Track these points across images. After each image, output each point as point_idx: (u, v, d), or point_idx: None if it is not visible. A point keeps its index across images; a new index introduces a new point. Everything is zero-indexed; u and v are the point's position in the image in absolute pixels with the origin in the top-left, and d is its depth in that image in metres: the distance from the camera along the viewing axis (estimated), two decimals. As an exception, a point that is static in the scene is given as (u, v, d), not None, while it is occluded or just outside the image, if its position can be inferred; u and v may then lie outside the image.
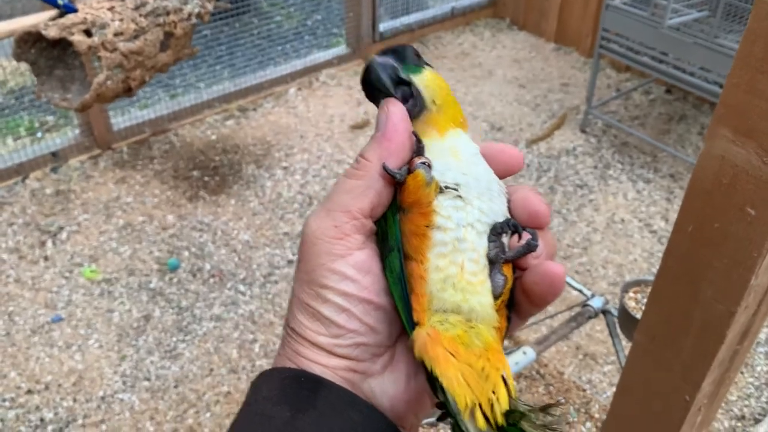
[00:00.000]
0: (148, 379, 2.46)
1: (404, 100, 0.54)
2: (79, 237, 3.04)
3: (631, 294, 2.09)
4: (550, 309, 2.76)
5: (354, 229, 0.51)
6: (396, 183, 0.52)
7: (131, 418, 2.34)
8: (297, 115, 3.92)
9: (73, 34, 2.30)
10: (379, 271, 0.52)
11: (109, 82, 2.40)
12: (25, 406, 2.36)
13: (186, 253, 2.98)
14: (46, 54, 2.49)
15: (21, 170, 3.34)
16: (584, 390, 2.42)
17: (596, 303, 2.13)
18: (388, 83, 0.54)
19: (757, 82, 0.82)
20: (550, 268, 0.50)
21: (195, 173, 3.44)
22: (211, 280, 2.86)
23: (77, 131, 3.50)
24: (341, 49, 4.43)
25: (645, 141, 3.71)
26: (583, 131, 3.86)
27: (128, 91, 2.55)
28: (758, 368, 2.59)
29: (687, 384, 1.05)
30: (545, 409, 0.47)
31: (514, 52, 4.68)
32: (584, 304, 2.15)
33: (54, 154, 3.42)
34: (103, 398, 2.39)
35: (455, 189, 0.51)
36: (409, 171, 0.52)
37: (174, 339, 2.61)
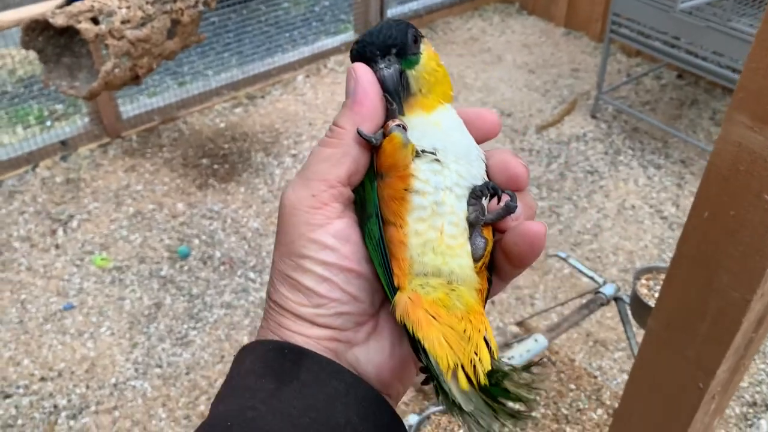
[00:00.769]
0: (160, 366, 2.48)
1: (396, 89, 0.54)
2: (89, 225, 3.05)
3: (643, 281, 2.07)
4: (561, 296, 2.75)
5: (332, 198, 0.50)
6: (372, 148, 0.52)
7: (144, 404, 2.35)
8: (305, 102, 3.91)
9: (80, 22, 2.29)
10: (358, 239, 0.51)
11: (116, 70, 2.40)
12: (39, 393, 2.38)
13: (196, 241, 2.98)
14: (54, 42, 2.49)
15: (31, 159, 3.35)
16: (595, 377, 2.41)
17: (608, 290, 2.12)
18: (394, 98, 0.53)
19: (776, 66, 0.81)
20: (530, 228, 0.49)
21: (204, 161, 3.44)
22: (222, 268, 2.87)
23: (86, 120, 3.51)
24: (349, 36, 4.40)
25: (656, 126, 3.68)
26: (593, 117, 3.83)
27: (136, 79, 2.54)
28: (770, 355, 2.58)
29: (701, 371, 1.05)
30: (527, 368, 0.47)
31: (523, 37, 4.64)
32: (596, 291, 2.14)
33: (63, 143, 3.43)
34: (115, 385, 2.41)
35: (432, 153, 0.51)
36: (385, 135, 0.51)
37: (185, 326, 2.63)
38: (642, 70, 4.21)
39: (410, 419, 1.70)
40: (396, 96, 0.52)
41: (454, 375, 0.46)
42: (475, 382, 0.46)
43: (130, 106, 3.61)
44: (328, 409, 0.46)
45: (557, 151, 3.58)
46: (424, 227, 0.50)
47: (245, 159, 3.46)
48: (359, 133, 0.51)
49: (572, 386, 2.37)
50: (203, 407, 2.35)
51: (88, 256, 2.90)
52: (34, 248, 2.93)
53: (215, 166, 3.41)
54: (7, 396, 2.37)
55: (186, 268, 2.86)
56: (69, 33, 2.46)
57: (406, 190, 0.50)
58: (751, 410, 2.39)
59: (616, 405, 2.06)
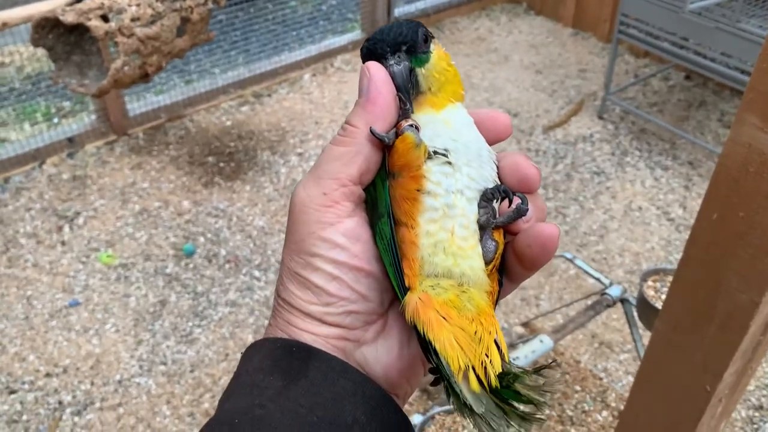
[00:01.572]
0: (165, 364, 2.48)
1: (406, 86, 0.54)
2: (95, 222, 3.06)
3: (650, 282, 2.07)
4: (567, 297, 2.75)
5: (343, 197, 0.50)
6: (384, 147, 0.52)
7: (148, 401, 2.36)
8: (312, 101, 3.91)
9: (90, 19, 2.30)
10: (369, 238, 0.51)
11: (126, 68, 2.40)
12: (44, 389, 2.39)
13: (201, 239, 2.99)
14: (64, 39, 2.50)
15: (38, 156, 3.36)
16: (600, 378, 2.41)
17: (614, 291, 2.11)
18: (404, 94, 0.53)
19: (788, 67, 0.80)
20: (543, 230, 0.50)
21: (210, 159, 3.44)
22: (227, 266, 2.87)
23: (93, 117, 3.52)
24: (356, 35, 4.40)
25: (663, 128, 3.67)
26: (600, 118, 3.82)
27: (145, 77, 2.55)
28: (777, 358, 2.56)
29: (708, 374, 1.04)
30: (538, 371, 0.47)
31: (530, 37, 4.63)
32: (602, 293, 2.14)
33: (70, 140, 3.44)
34: (120, 382, 2.42)
35: (444, 155, 0.51)
36: (397, 134, 0.51)
37: (190, 324, 2.63)
38: (650, 71, 4.19)
39: (414, 419, 1.70)
40: (405, 92, 0.52)
41: (465, 376, 0.46)
42: (486, 384, 0.46)
43: (137, 103, 3.61)
44: (335, 407, 0.46)
45: (564, 151, 3.57)
46: (435, 228, 0.50)
47: (251, 157, 3.47)
48: (372, 132, 0.51)
49: (577, 388, 2.37)
50: (207, 405, 2.35)
51: (93, 253, 2.90)
52: (40, 245, 2.94)
53: (221, 164, 3.41)
54: (13, 391, 2.38)
55: (191, 265, 2.87)
56: (79, 30, 2.47)
57: (418, 190, 0.50)
58: (757, 414, 2.38)
59: (622, 407, 2.06)
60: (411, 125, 0.52)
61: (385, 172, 0.52)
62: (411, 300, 0.49)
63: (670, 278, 2.02)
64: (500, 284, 0.53)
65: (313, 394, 0.47)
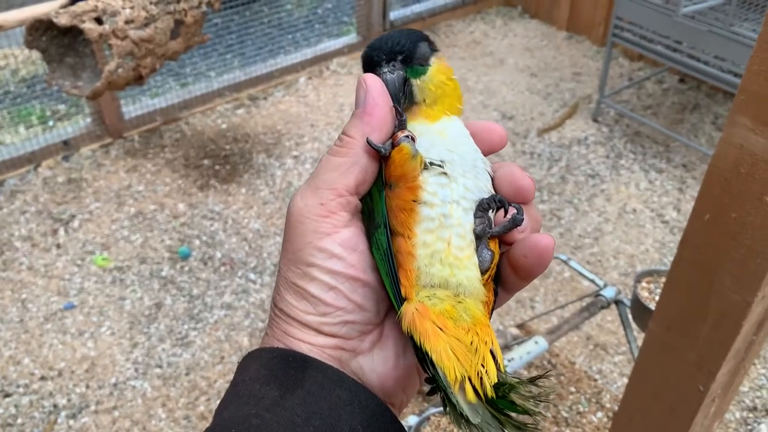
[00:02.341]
0: (160, 366, 2.48)
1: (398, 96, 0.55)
2: (90, 225, 3.05)
3: (644, 284, 2.07)
4: (562, 299, 2.75)
5: (340, 207, 0.51)
6: (381, 157, 0.52)
7: (143, 404, 2.35)
8: (307, 104, 3.91)
9: (84, 21, 2.30)
10: (365, 248, 0.52)
11: (120, 70, 2.40)
12: (39, 393, 2.38)
13: (197, 242, 2.99)
14: (57, 42, 2.50)
15: (33, 158, 3.35)
16: (595, 380, 2.41)
17: (609, 293, 2.12)
18: (394, 99, 0.54)
19: (778, 68, 0.81)
20: (539, 241, 0.50)
21: (206, 162, 3.44)
22: (222, 269, 2.87)
23: (88, 120, 3.51)
24: (352, 38, 4.41)
25: (658, 130, 3.68)
26: (595, 120, 3.84)
27: (139, 79, 2.55)
28: (771, 359, 2.57)
29: (701, 374, 1.05)
30: (534, 380, 0.48)
31: (525, 40, 4.64)
32: (597, 294, 2.14)
33: (66, 143, 3.43)
34: (115, 385, 2.41)
35: (440, 165, 0.52)
36: (393, 145, 0.52)
37: (185, 327, 2.63)
38: (644, 74, 4.21)
39: (410, 420, 1.70)
40: (396, 101, 0.53)
41: (462, 387, 0.46)
42: (482, 394, 0.46)
43: (133, 106, 3.61)
44: (331, 417, 0.47)
45: (558, 154, 3.59)
46: (431, 238, 0.50)
47: (247, 160, 3.47)
48: (368, 142, 0.51)
49: (572, 389, 2.37)
50: (203, 408, 2.35)
51: (89, 256, 2.90)
52: (35, 248, 2.93)
53: (217, 167, 3.41)
54: (7, 395, 2.37)
55: (187, 268, 2.87)
56: (73, 33, 2.47)
57: (414, 201, 0.51)
58: (751, 415, 2.39)
59: (616, 408, 2.06)
60: (407, 136, 0.52)
61: (382, 183, 0.53)
62: (408, 310, 0.49)
63: (663, 279, 2.03)
64: (495, 294, 0.53)
65: (309, 403, 0.47)
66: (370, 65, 0.55)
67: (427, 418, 1.71)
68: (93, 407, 2.34)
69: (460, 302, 0.50)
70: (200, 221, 3.09)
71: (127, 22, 2.37)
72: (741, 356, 1.05)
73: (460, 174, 0.52)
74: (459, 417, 0.46)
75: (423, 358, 0.48)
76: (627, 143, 3.66)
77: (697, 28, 3.13)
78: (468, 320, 0.49)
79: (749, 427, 2.35)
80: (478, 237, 0.51)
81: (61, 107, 3.71)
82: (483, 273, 0.51)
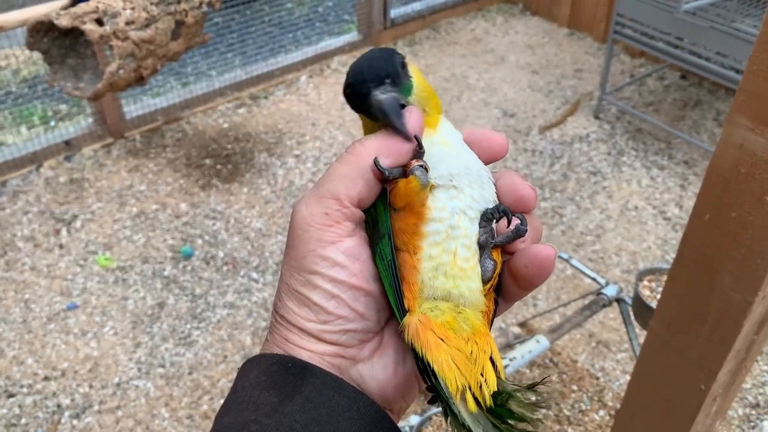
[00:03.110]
0: (163, 366, 2.49)
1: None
2: (93, 225, 3.06)
3: (645, 282, 2.07)
4: (564, 297, 2.75)
5: (344, 217, 0.51)
6: (384, 180, 0.52)
7: (146, 404, 2.36)
8: (308, 103, 3.91)
9: (85, 23, 2.30)
10: (368, 257, 0.52)
11: (121, 71, 2.41)
12: (42, 392, 2.39)
13: (199, 241, 2.99)
14: (59, 43, 2.50)
15: (35, 159, 3.36)
16: (597, 378, 2.41)
17: (610, 291, 2.12)
18: (399, 123, 0.52)
19: (778, 69, 0.81)
20: (540, 251, 0.50)
21: (207, 161, 3.45)
22: (225, 268, 2.88)
23: (90, 120, 3.52)
24: (353, 36, 4.41)
25: (659, 127, 3.68)
26: (596, 117, 3.83)
27: (140, 80, 2.55)
28: (773, 356, 2.57)
29: (703, 373, 1.05)
30: (532, 387, 0.48)
31: (526, 37, 4.64)
32: (598, 293, 2.14)
33: (67, 143, 3.44)
34: (118, 385, 2.42)
35: (450, 180, 0.52)
36: (405, 173, 0.51)
37: (188, 326, 2.63)
38: (645, 71, 4.20)
39: (411, 420, 1.71)
40: (398, 118, 0.51)
41: (463, 397, 0.47)
42: (482, 404, 0.47)
43: (134, 106, 3.62)
44: (330, 423, 0.47)
45: (560, 151, 3.58)
46: (437, 251, 0.51)
47: (248, 159, 3.47)
48: (375, 163, 0.51)
49: (574, 387, 2.37)
50: (206, 407, 2.36)
51: (91, 256, 2.91)
52: (37, 248, 2.94)
53: (218, 167, 3.41)
54: (11, 395, 2.38)
55: (189, 268, 2.87)
56: (74, 34, 2.47)
57: (419, 224, 0.51)
58: (753, 412, 2.39)
59: (619, 406, 2.06)
60: (420, 166, 0.51)
61: (386, 198, 0.52)
62: (410, 322, 0.50)
63: (665, 278, 2.03)
64: (496, 304, 0.53)
65: (308, 410, 0.47)
66: (358, 99, 0.53)
67: (429, 418, 1.72)
68: (96, 407, 2.35)
69: (460, 313, 0.50)
70: (202, 221, 3.10)
71: (127, 23, 2.37)
72: (742, 356, 1.05)
73: (467, 184, 0.52)
74: (461, 427, 0.47)
75: (424, 369, 0.49)
76: (629, 140, 3.66)
77: (698, 24, 3.13)
78: (468, 330, 0.50)
79: (752, 423, 2.35)
80: (482, 246, 0.52)
81: (63, 107, 3.71)
82: (485, 283, 0.51)
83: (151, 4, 2.45)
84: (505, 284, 0.53)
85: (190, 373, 2.46)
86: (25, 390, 2.40)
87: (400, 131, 0.51)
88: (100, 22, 2.35)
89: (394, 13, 4.45)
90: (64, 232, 3.02)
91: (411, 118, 0.52)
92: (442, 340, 0.49)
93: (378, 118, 0.53)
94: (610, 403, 2.32)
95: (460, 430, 0.47)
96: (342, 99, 3.94)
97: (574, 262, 2.28)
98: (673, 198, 3.28)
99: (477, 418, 0.47)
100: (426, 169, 0.51)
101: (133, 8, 2.39)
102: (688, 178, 3.40)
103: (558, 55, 4.42)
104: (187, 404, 2.37)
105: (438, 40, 4.56)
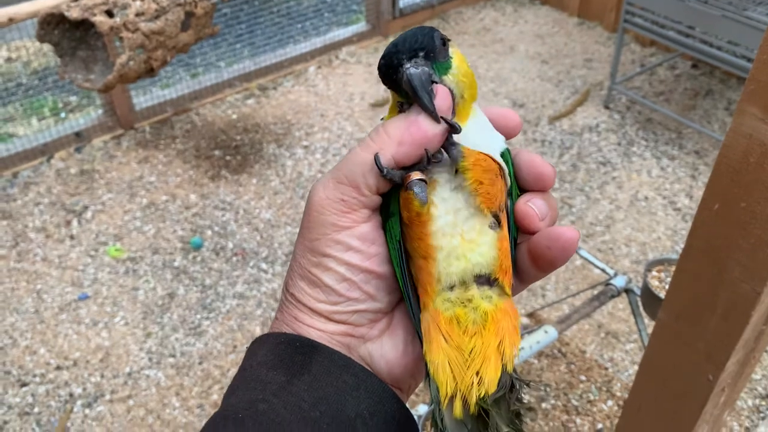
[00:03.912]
0: (174, 356, 2.51)
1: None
2: (103, 216, 3.08)
3: (654, 273, 2.07)
4: (573, 288, 2.75)
5: (361, 204, 0.51)
6: (384, 176, 0.50)
7: (157, 393, 2.38)
8: (317, 94, 3.91)
9: (95, 14, 2.31)
10: (383, 241, 0.52)
11: (131, 63, 2.41)
12: (55, 382, 2.42)
13: (209, 232, 3.01)
14: (69, 35, 2.51)
15: (46, 150, 3.38)
16: (606, 368, 2.41)
17: (619, 282, 2.11)
18: (426, 98, 0.49)
19: (787, 58, 0.80)
20: (564, 233, 0.50)
21: (216, 152, 3.46)
22: (234, 259, 2.89)
23: (100, 111, 3.53)
24: (361, 26, 4.40)
25: (670, 117, 3.66)
26: (606, 107, 3.81)
27: (150, 72, 2.56)
28: (783, 347, 2.56)
29: (711, 364, 1.05)
30: (528, 384, 0.49)
31: (536, 27, 4.61)
32: (607, 283, 2.14)
33: (78, 134, 3.46)
34: (129, 374, 2.44)
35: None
36: (404, 184, 0.50)
37: (198, 316, 2.65)
38: (656, 60, 4.17)
39: (420, 409, 1.72)
40: (426, 94, 0.48)
41: (450, 403, 0.47)
42: (472, 409, 0.47)
43: (143, 97, 3.63)
44: (338, 402, 0.47)
45: (570, 141, 3.57)
46: (447, 242, 0.50)
47: (257, 150, 3.48)
48: (376, 160, 0.49)
49: (583, 378, 2.37)
50: (216, 396, 2.38)
51: (102, 247, 2.93)
52: (49, 239, 2.96)
53: (227, 158, 3.42)
54: (24, 384, 2.41)
55: (199, 258, 2.89)
56: (84, 26, 2.48)
57: (425, 231, 0.50)
58: (763, 403, 2.38)
59: (627, 396, 2.06)
60: (422, 180, 0.49)
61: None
62: (424, 318, 0.51)
63: (674, 268, 2.03)
64: (514, 264, 0.53)
65: (315, 388, 0.48)
66: (389, 71, 0.50)
67: (438, 407, 1.73)
68: (108, 396, 2.37)
69: (470, 300, 0.50)
70: (212, 211, 3.11)
71: (137, 15, 2.38)
72: (750, 346, 1.05)
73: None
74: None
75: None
76: (639, 130, 3.64)
77: (710, 12, 3.10)
78: (479, 321, 0.49)
79: (761, 414, 2.34)
80: (457, 170, 0.50)
81: (73, 99, 3.73)
82: (456, 163, 0.49)
83: (160, -5, 2.45)
84: (523, 265, 0.53)
85: (200, 363, 2.48)
86: (37, 379, 2.42)
87: (425, 108, 0.49)
88: (110, 13, 2.36)
89: (403, 2, 4.43)
90: (75, 223, 3.04)
91: (438, 96, 0.49)
92: (445, 338, 0.49)
93: (406, 94, 0.50)
94: (618, 394, 2.32)
95: None
96: (350, 90, 3.95)
97: (583, 252, 2.28)
98: (683, 188, 3.26)
99: (462, 423, 0.47)
100: (426, 182, 0.50)
101: (143, 0, 2.40)
102: (698, 168, 3.37)
103: (568, 45, 4.40)
104: (198, 393, 2.39)
105: (447, 29, 4.54)
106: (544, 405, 2.28)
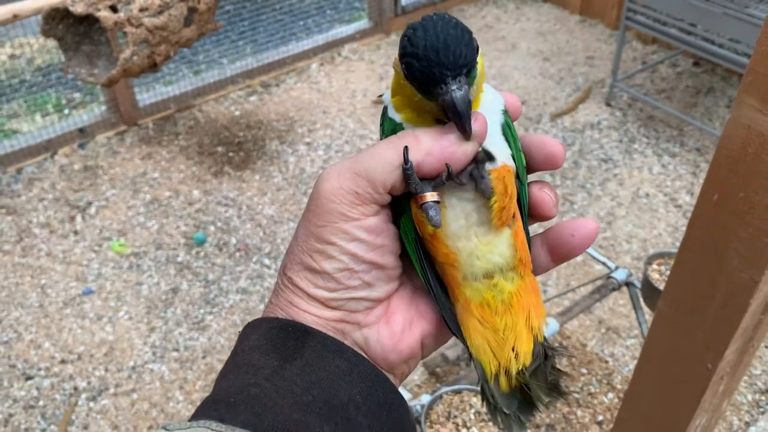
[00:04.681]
0: (177, 350, 2.52)
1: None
2: (107, 212, 3.10)
3: (654, 266, 2.08)
4: (573, 283, 2.76)
5: (373, 200, 0.50)
6: (403, 170, 0.49)
7: (161, 387, 2.40)
8: (319, 91, 3.92)
9: (99, 10, 2.33)
10: (389, 233, 0.52)
11: (135, 58, 2.43)
12: (60, 375, 2.43)
13: (212, 228, 3.02)
14: (73, 30, 2.53)
15: (50, 146, 3.40)
16: (606, 362, 2.43)
17: (620, 275, 2.13)
18: (467, 124, 0.48)
19: (785, 48, 0.81)
20: (587, 223, 0.53)
21: (219, 149, 3.47)
22: (237, 254, 2.91)
23: (104, 108, 3.55)
24: (363, 24, 4.41)
25: (671, 114, 3.67)
26: (608, 105, 3.82)
27: (153, 67, 2.57)
28: (783, 342, 2.57)
29: (710, 352, 1.06)
30: (557, 351, 0.53)
31: (538, 24, 4.62)
32: (608, 276, 2.15)
33: (81, 131, 3.47)
34: (133, 368, 2.46)
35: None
36: (418, 204, 0.50)
37: (201, 311, 2.67)
38: (658, 58, 4.18)
39: (423, 399, 1.73)
40: (467, 119, 0.47)
41: (497, 380, 0.52)
42: (513, 381, 0.52)
43: (147, 94, 3.64)
44: (331, 386, 0.47)
45: (571, 139, 3.58)
46: (462, 244, 0.52)
47: (260, 147, 3.49)
48: (404, 152, 0.48)
49: (584, 370, 2.39)
50: (219, 390, 2.39)
51: (106, 242, 2.94)
52: (53, 234, 2.98)
53: (230, 154, 3.44)
54: (29, 378, 2.42)
55: (202, 254, 2.90)
56: (88, 21, 2.50)
57: (441, 242, 0.52)
58: (763, 397, 2.39)
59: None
60: (436, 202, 0.50)
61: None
62: (458, 311, 0.54)
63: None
64: (529, 243, 0.54)
65: (308, 373, 0.47)
66: (428, 83, 0.47)
67: (440, 397, 1.74)
68: (112, 390, 2.39)
69: (495, 285, 0.52)
70: (215, 207, 3.12)
71: (141, 10, 2.39)
72: (749, 335, 1.06)
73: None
74: (494, 410, 0.52)
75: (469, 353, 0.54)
76: (640, 127, 3.65)
77: (711, 10, 3.11)
78: (506, 300, 0.52)
79: (761, 409, 2.35)
80: (473, 179, 0.50)
81: (77, 95, 3.75)
82: (489, 198, 0.50)
83: (164, -9, 2.47)
84: (537, 256, 0.54)
85: (203, 357, 2.50)
86: (42, 373, 2.44)
87: (463, 132, 0.48)
88: (114, 8, 2.38)
89: (405, 0, 4.44)
90: (78, 218, 3.06)
91: (476, 123, 0.49)
92: (479, 322, 0.52)
93: (442, 111, 0.48)
94: (618, 386, 2.34)
95: (494, 413, 0.52)
96: (353, 87, 3.95)
97: (584, 247, 2.29)
98: (684, 185, 3.27)
99: (509, 397, 0.52)
100: (440, 203, 0.50)
101: (146, -4, 2.42)
102: (699, 165, 3.38)
103: (570, 42, 4.41)
104: (201, 387, 2.40)
105: (449, 27, 4.54)
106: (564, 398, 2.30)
